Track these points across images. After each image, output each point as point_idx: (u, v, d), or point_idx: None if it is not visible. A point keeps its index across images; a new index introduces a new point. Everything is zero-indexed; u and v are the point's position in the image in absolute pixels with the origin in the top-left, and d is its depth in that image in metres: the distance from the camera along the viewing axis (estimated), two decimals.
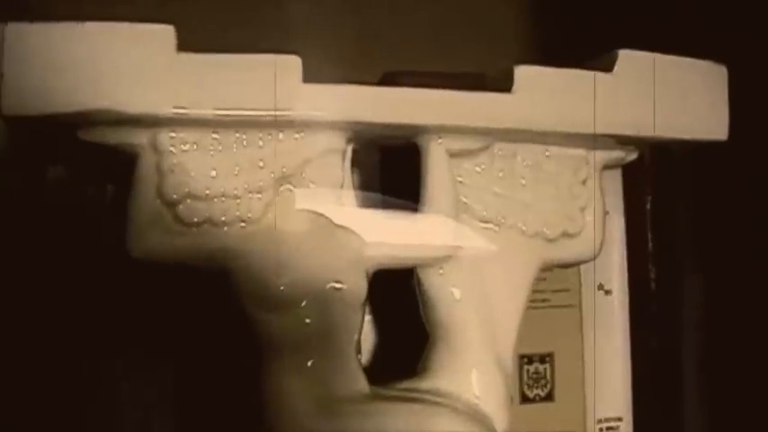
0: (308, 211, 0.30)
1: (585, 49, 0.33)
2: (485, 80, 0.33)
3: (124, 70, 0.27)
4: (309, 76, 0.29)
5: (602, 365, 0.40)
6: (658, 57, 0.33)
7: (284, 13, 0.43)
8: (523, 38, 0.48)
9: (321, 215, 0.30)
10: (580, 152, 0.33)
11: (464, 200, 0.32)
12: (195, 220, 0.29)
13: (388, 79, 0.35)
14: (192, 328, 0.35)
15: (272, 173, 0.30)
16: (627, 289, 0.40)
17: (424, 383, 0.31)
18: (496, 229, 0.32)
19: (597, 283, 0.40)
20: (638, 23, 0.41)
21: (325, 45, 0.42)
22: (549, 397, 0.39)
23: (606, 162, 0.34)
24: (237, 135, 0.29)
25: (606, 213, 0.35)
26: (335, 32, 0.44)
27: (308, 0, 0.44)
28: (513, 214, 0.32)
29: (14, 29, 0.27)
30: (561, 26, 0.47)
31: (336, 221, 0.30)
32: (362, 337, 0.35)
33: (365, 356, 0.36)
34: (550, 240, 0.33)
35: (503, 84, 0.31)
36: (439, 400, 0.31)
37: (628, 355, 0.40)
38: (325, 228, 0.30)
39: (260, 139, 0.30)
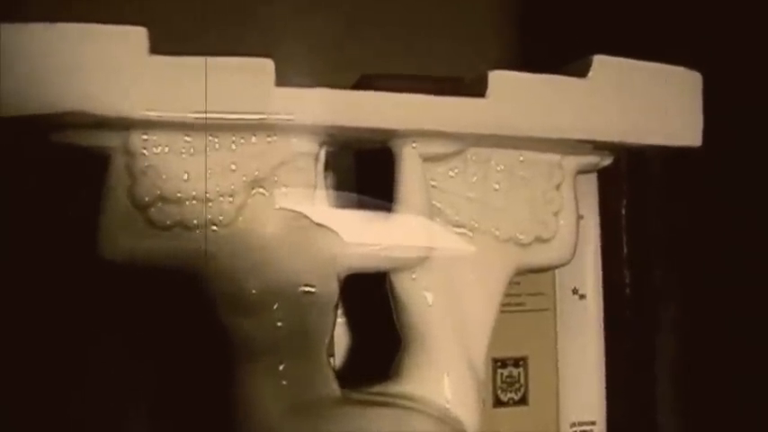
0: (281, 214, 0.30)
1: (562, 53, 0.33)
2: (461, 84, 0.33)
3: (96, 72, 0.27)
4: (286, 80, 0.29)
5: (576, 369, 0.40)
6: (633, 63, 0.33)
7: (262, 16, 0.43)
8: (501, 42, 0.48)
9: (293, 218, 0.30)
10: (554, 157, 0.34)
11: (437, 204, 0.32)
12: (167, 222, 0.29)
13: (365, 82, 0.35)
14: (164, 330, 0.35)
15: (245, 176, 0.29)
16: (601, 293, 0.40)
17: (396, 387, 0.32)
18: (470, 233, 0.32)
19: (572, 288, 0.40)
20: (613, 29, 0.41)
21: (301, 48, 0.42)
22: (522, 401, 0.39)
23: (580, 167, 0.34)
24: (210, 138, 0.29)
25: (581, 218, 0.35)
26: (312, 36, 0.44)
27: (285, 3, 0.44)
28: (486, 219, 0.33)
29: None
30: (538, 31, 0.47)
31: (308, 225, 0.30)
32: (336, 340, 0.35)
33: (338, 360, 0.36)
34: (524, 245, 0.33)
35: (477, 89, 0.31)
36: (410, 404, 0.31)
37: (602, 359, 0.40)
38: (298, 231, 0.30)
39: (232, 142, 0.30)
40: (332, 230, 0.30)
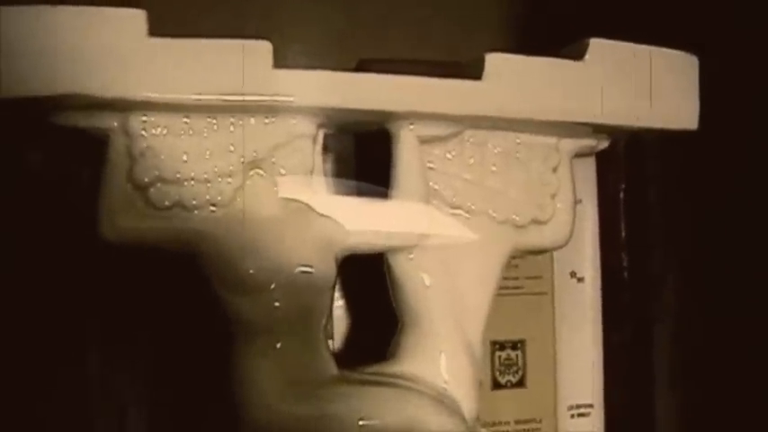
0: (278, 195, 0.30)
1: (558, 37, 0.33)
2: (459, 69, 0.34)
3: (95, 54, 0.27)
4: (285, 64, 0.29)
5: (573, 352, 0.40)
6: (629, 46, 0.33)
7: (261, 1, 0.44)
8: (498, 26, 0.48)
9: (291, 199, 0.30)
10: (550, 140, 0.34)
11: (434, 186, 0.32)
12: (166, 203, 0.29)
13: (363, 66, 0.36)
14: (163, 311, 0.35)
15: (242, 157, 0.30)
16: (599, 276, 0.41)
17: (393, 368, 0.32)
18: (467, 215, 0.33)
19: (570, 271, 0.40)
20: (610, 12, 0.41)
21: (301, 32, 0.42)
22: (520, 383, 0.39)
23: (577, 150, 0.35)
24: (208, 119, 0.30)
25: (579, 201, 0.35)
26: (311, 19, 0.44)
27: None
28: (483, 201, 0.33)
29: None
30: (535, 14, 0.47)
31: (306, 206, 0.30)
32: (333, 321, 0.35)
33: (336, 341, 0.36)
34: (520, 227, 0.33)
35: (474, 71, 0.31)
36: (407, 384, 0.31)
37: (600, 342, 0.41)
38: (295, 212, 0.30)
39: (231, 123, 0.30)
40: (329, 211, 0.31)
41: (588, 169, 0.40)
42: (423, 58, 0.36)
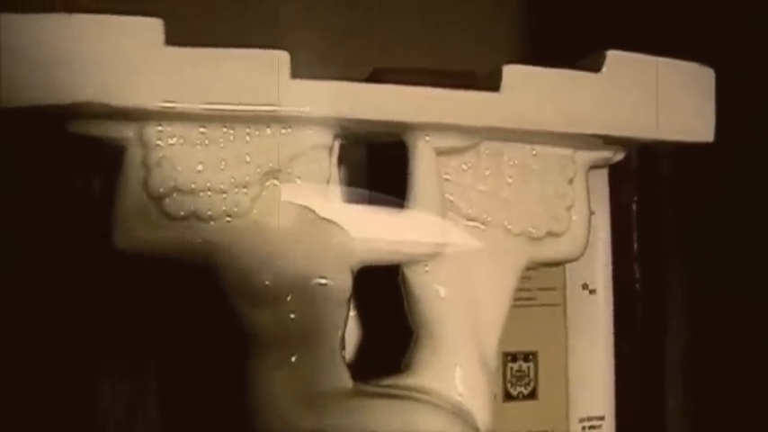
0: (295, 206, 0.30)
1: (576, 48, 0.33)
2: (474, 79, 0.34)
3: (112, 63, 0.27)
4: (299, 73, 0.29)
5: (585, 364, 0.40)
6: (646, 58, 0.33)
7: (274, 8, 0.43)
8: (514, 37, 0.48)
9: (307, 210, 0.30)
10: (567, 152, 0.34)
11: (450, 198, 0.32)
12: (181, 213, 0.29)
13: (377, 76, 0.35)
14: (177, 322, 0.35)
15: (259, 168, 0.30)
16: (611, 289, 0.40)
17: (408, 380, 0.32)
18: (482, 227, 0.33)
19: (582, 283, 0.40)
20: (627, 24, 0.41)
21: (315, 41, 0.42)
22: (532, 395, 0.39)
23: (593, 162, 0.34)
24: (225, 129, 0.29)
25: (592, 213, 0.35)
26: (326, 29, 0.44)
27: None
28: (498, 213, 0.33)
29: (3, 20, 0.27)
30: (551, 26, 0.47)
31: (323, 217, 0.30)
32: (347, 333, 0.35)
33: (350, 353, 0.36)
34: (536, 239, 0.33)
35: (491, 83, 0.31)
36: (422, 397, 0.31)
37: (611, 354, 0.40)
38: (312, 223, 0.30)
39: (247, 134, 0.30)
40: (345, 223, 0.30)
41: (601, 181, 0.40)
42: (436, 68, 0.36)
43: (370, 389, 0.31)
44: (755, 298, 0.41)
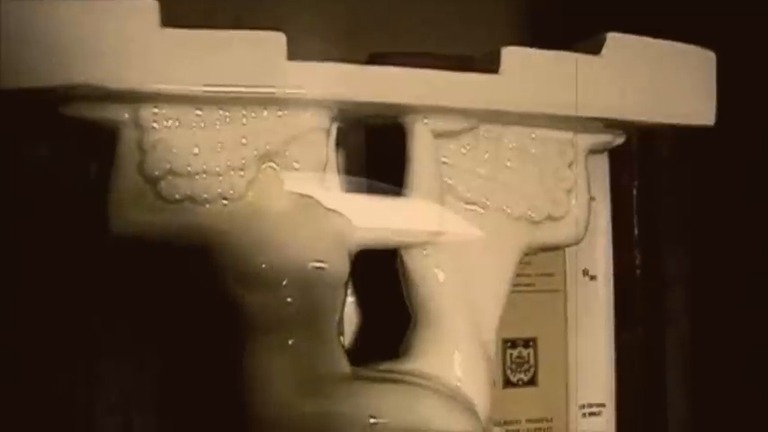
0: (291, 189, 0.30)
1: (575, 31, 0.33)
2: (473, 63, 0.33)
3: (107, 45, 0.27)
4: (297, 56, 0.29)
5: (585, 351, 0.40)
6: (646, 41, 0.33)
7: None
8: (513, 20, 0.48)
9: (304, 194, 0.30)
10: (566, 135, 0.33)
11: (449, 181, 0.32)
12: (177, 196, 0.29)
13: (376, 59, 0.35)
14: (173, 305, 0.34)
15: (255, 150, 0.29)
16: (612, 275, 0.40)
17: (406, 365, 0.31)
18: (481, 210, 0.32)
19: (582, 269, 0.40)
20: (627, 7, 0.40)
21: (313, 25, 0.42)
22: (531, 381, 0.39)
23: (592, 145, 0.34)
24: (221, 112, 0.29)
25: (592, 199, 0.35)
26: (324, 12, 0.44)
27: None
28: (497, 196, 0.32)
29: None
30: (550, 8, 0.47)
31: (319, 200, 0.30)
32: (345, 318, 0.35)
33: (348, 338, 0.36)
34: (535, 223, 0.33)
35: (490, 65, 0.31)
36: (420, 381, 0.31)
37: (612, 340, 0.40)
38: (308, 206, 0.30)
39: (243, 116, 0.29)
40: (342, 206, 0.30)
41: (601, 166, 0.40)
42: (434, 52, 0.36)
43: (367, 373, 0.31)
44: (757, 284, 0.41)
